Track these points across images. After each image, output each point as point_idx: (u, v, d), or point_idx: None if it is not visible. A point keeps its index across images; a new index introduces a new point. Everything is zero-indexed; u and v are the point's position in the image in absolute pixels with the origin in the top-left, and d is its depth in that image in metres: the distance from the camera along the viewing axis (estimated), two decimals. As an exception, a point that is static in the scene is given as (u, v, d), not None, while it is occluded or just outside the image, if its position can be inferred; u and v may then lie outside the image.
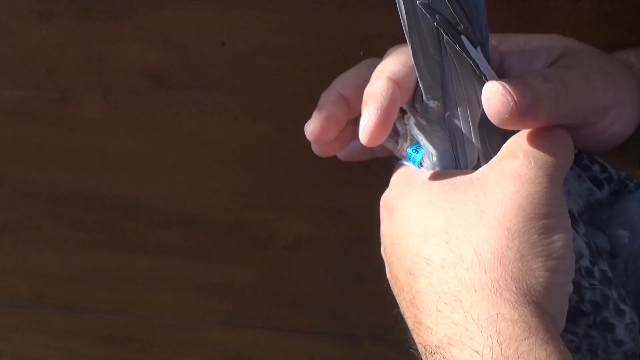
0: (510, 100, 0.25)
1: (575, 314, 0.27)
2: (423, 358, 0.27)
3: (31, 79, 0.61)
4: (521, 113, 0.25)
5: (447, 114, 0.28)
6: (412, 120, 0.29)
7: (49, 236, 0.71)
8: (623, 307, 0.26)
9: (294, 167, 0.59)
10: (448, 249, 0.25)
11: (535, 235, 0.25)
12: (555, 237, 0.25)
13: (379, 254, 0.34)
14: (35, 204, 0.69)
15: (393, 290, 0.31)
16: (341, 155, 0.36)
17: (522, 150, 0.27)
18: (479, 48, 0.27)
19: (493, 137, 0.28)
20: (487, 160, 0.28)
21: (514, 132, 0.28)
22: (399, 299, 0.30)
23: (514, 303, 0.23)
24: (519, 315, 0.23)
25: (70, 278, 0.74)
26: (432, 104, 0.28)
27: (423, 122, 0.29)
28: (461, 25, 0.26)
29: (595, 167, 0.31)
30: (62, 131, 0.64)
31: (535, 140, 0.27)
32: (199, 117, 0.59)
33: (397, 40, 0.32)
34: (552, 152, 0.27)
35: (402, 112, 0.31)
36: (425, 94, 0.28)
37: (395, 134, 0.31)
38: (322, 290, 0.67)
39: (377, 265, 0.34)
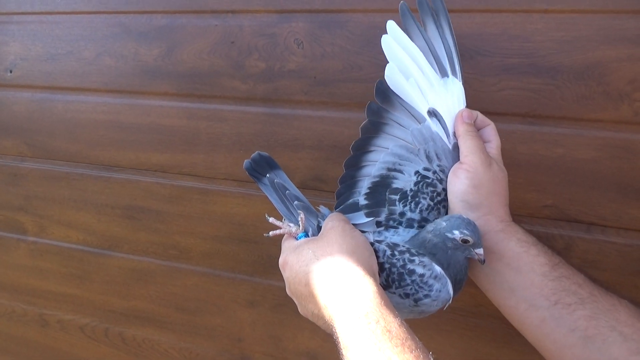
0: None
1: (400, 278, 0.53)
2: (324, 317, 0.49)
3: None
4: None
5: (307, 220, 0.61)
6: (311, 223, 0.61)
7: None
8: (413, 258, 0.53)
9: None
10: (318, 261, 0.51)
11: (352, 245, 0.52)
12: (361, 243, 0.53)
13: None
14: None
15: (299, 302, 0.54)
16: None
17: (331, 221, 0.56)
18: (296, 202, 0.61)
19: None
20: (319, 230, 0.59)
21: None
22: (303, 303, 0.53)
23: (357, 267, 0.49)
24: (356, 269, 0.49)
25: None
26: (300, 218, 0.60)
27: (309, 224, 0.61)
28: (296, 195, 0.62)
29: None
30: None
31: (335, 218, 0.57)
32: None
33: None
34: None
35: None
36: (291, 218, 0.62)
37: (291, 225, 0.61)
38: None
39: None
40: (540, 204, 0.64)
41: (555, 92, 0.60)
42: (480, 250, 0.51)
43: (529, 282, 0.51)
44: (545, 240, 0.64)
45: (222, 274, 0.85)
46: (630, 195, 0.60)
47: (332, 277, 0.49)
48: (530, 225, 0.65)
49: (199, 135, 0.79)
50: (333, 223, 0.55)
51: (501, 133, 0.63)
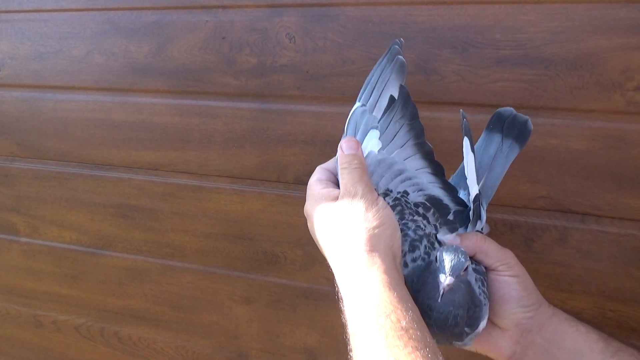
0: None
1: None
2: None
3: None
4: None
5: None
6: None
7: None
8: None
9: None
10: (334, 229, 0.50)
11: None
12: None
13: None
14: None
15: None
16: None
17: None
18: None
19: None
20: None
21: None
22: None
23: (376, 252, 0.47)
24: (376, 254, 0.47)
25: None
26: None
27: None
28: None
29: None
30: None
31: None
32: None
33: None
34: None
35: None
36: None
37: None
38: None
39: None
40: (534, 195, 0.64)
41: (548, 83, 0.60)
42: (442, 278, 0.46)
43: None
44: (541, 232, 0.64)
45: (217, 271, 0.84)
46: (625, 185, 0.60)
47: (346, 258, 0.47)
48: (525, 217, 0.65)
49: (191, 132, 0.78)
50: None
51: (495, 125, 0.64)
